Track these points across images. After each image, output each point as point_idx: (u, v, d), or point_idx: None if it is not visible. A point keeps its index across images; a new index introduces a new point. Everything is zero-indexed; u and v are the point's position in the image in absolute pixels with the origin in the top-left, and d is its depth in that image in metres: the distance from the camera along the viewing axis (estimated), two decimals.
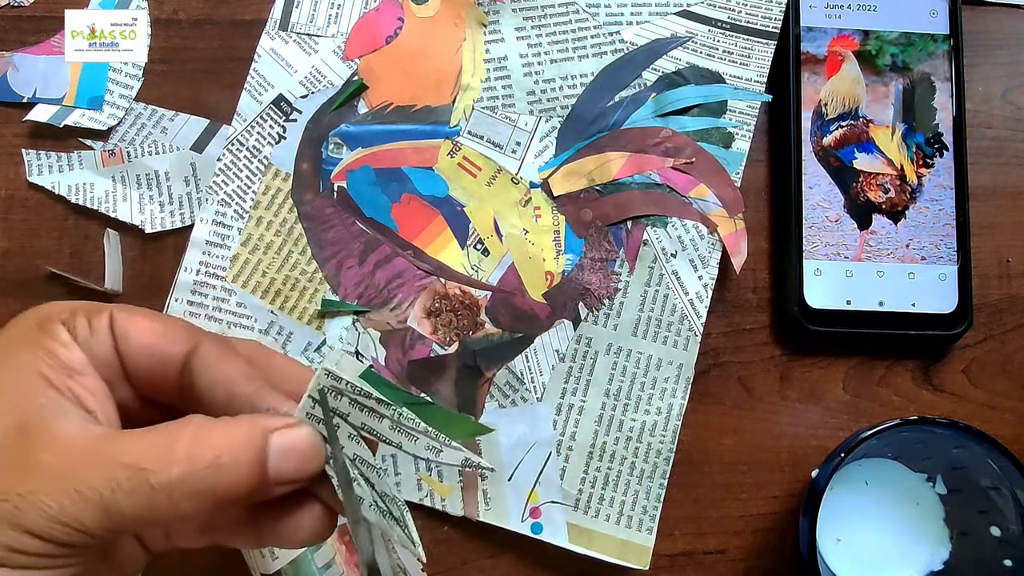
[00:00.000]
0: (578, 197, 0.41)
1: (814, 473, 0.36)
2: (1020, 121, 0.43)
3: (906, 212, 0.41)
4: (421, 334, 0.40)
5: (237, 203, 0.40)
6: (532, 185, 0.41)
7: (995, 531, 0.37)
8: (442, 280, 0.40)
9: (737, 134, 0.41)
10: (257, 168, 0.41)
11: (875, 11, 0.42)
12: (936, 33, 0.42)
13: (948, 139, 0.42)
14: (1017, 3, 0.44)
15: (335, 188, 0.41)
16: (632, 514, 0.39)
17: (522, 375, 0.40)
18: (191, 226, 0.41)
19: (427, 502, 0.39)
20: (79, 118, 0.41)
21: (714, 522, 0.40)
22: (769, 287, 0.42)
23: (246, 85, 0.41)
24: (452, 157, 0.41)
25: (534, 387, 0.40)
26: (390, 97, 0.41)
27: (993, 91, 0.43)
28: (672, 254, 0.40)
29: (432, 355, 0.40)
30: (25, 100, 0.41)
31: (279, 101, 0.41)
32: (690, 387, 0.40)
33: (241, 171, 0.41)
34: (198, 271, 0.40)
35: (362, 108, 0.41)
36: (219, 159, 0.41)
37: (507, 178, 0.41)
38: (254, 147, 0.41)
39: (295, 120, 0.41)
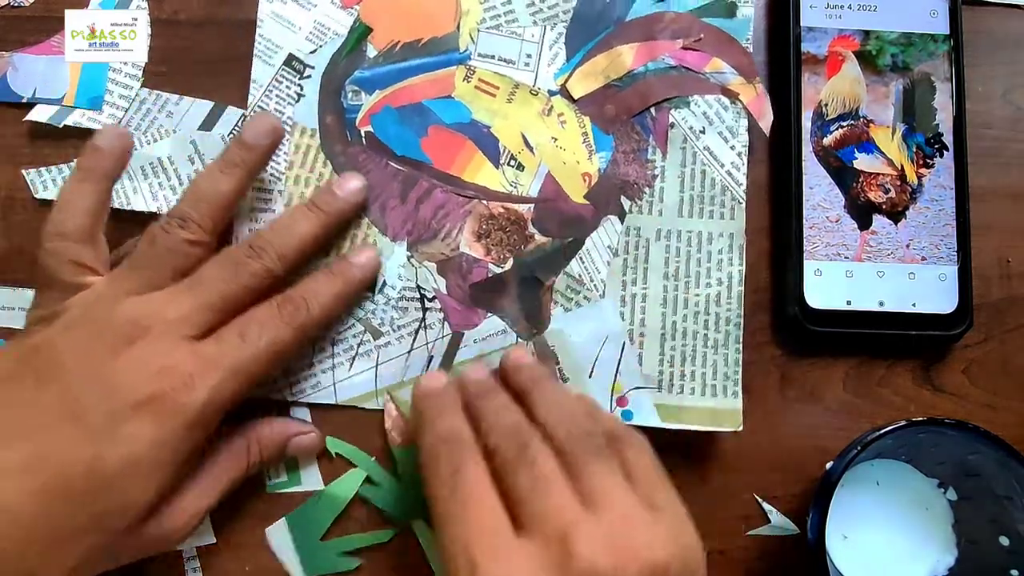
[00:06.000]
0: (598, 95, 0.42)
1: (828, 464, 0.36)
2: (1020, 121, 0.43)
3: (906, 212, 0.41)
4: (475, 257, 0.40)
5: (272, 167, 0.41)
6: (551, 93, 0.42)
7: (1004, 540, 0.36)
8: (484, 202, 0.41)
9: (740, 2, 0.42)
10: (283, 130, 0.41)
11: (875, 11, 0.42)
12: (936, 33, 0.42)
13: (948, 139, 0.42)
14: (1017, 3, 0.44)
15: (363, 134, 0.41)
16: (715, 382, 0.40)
17: (580, 277, 0.40)
18: None
19: None
20: (79, 118, 0.41)
21: (714, 522, 0.40)
22: (769, 287, 0.42)
23: (255, 51, 0.41)
24: (468, 82, 0.42)
25: (594, 285, 0.40)
26: (396, 36, 0.42)
27: (993, 91, 0.43)
28: (700, 131, 0.41)
29: (490, 275, 0.40)
30: (25, 100, 0.41)
31: (290, 61, 0.41)
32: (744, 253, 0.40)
33: None
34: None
35: (371, 52, 0.42)
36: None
37: (526, 91, 0.42)
38: (276, 110, 0.41)
39: (309, 76, 0.41)
